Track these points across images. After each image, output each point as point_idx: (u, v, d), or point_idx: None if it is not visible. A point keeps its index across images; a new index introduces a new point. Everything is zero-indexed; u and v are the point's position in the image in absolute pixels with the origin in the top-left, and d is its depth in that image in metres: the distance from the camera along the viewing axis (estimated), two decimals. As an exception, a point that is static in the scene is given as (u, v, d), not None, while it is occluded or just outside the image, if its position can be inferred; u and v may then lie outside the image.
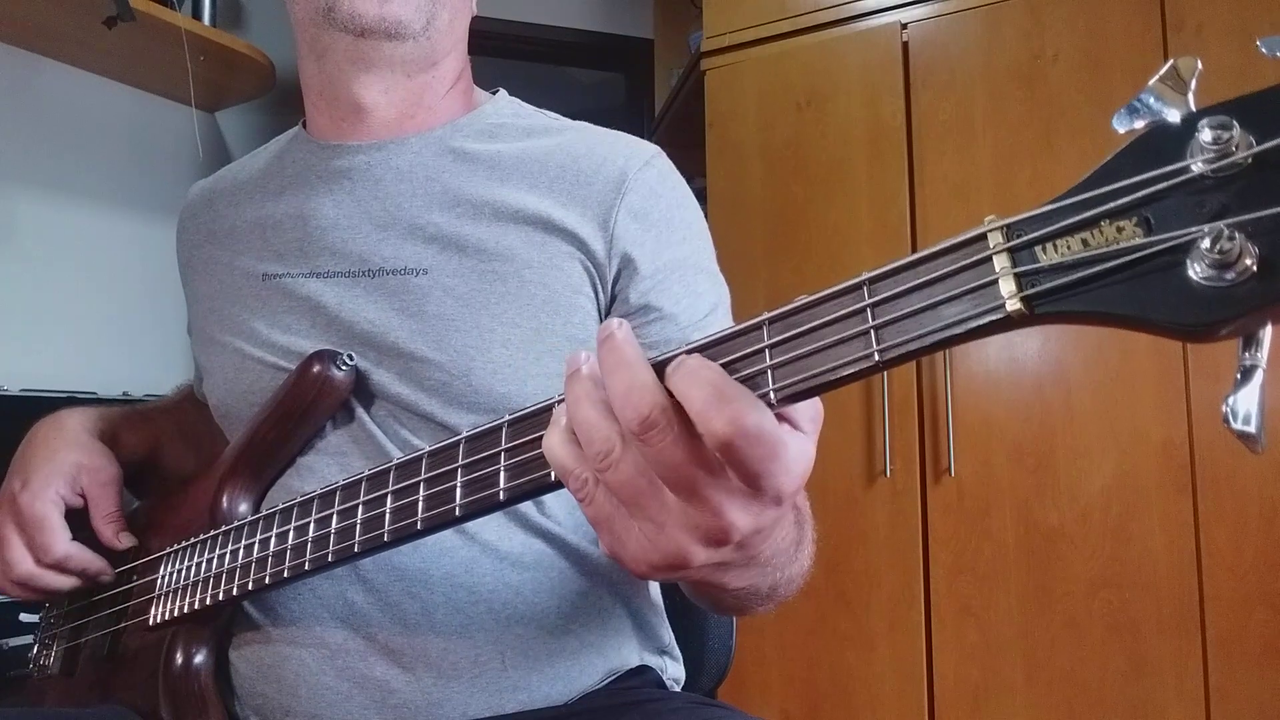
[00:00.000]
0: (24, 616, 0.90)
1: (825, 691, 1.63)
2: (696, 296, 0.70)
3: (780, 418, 0.38)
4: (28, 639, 0.84)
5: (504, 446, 0.47)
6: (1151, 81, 0.30)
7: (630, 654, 0.72)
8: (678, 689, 0.77)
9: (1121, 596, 1.44)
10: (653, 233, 0.70)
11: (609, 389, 0.38)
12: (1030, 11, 1.59)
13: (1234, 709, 1.37)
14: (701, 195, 1.83)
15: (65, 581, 0.72)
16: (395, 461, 0.54)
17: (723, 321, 0.72)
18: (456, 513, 0.49)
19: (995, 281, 0.32)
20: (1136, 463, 1.45)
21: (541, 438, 0.44)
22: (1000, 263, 0.32)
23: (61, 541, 0.70)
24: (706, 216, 0.81)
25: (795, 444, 0.37)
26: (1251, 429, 0.29)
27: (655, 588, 0.77)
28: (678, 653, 0.79)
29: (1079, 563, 1.47)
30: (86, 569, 0.72)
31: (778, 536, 0.44)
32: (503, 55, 2.59)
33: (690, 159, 1.79)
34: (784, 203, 1.76)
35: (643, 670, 0.72)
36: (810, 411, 0.39)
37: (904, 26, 1.69)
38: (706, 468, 0.37)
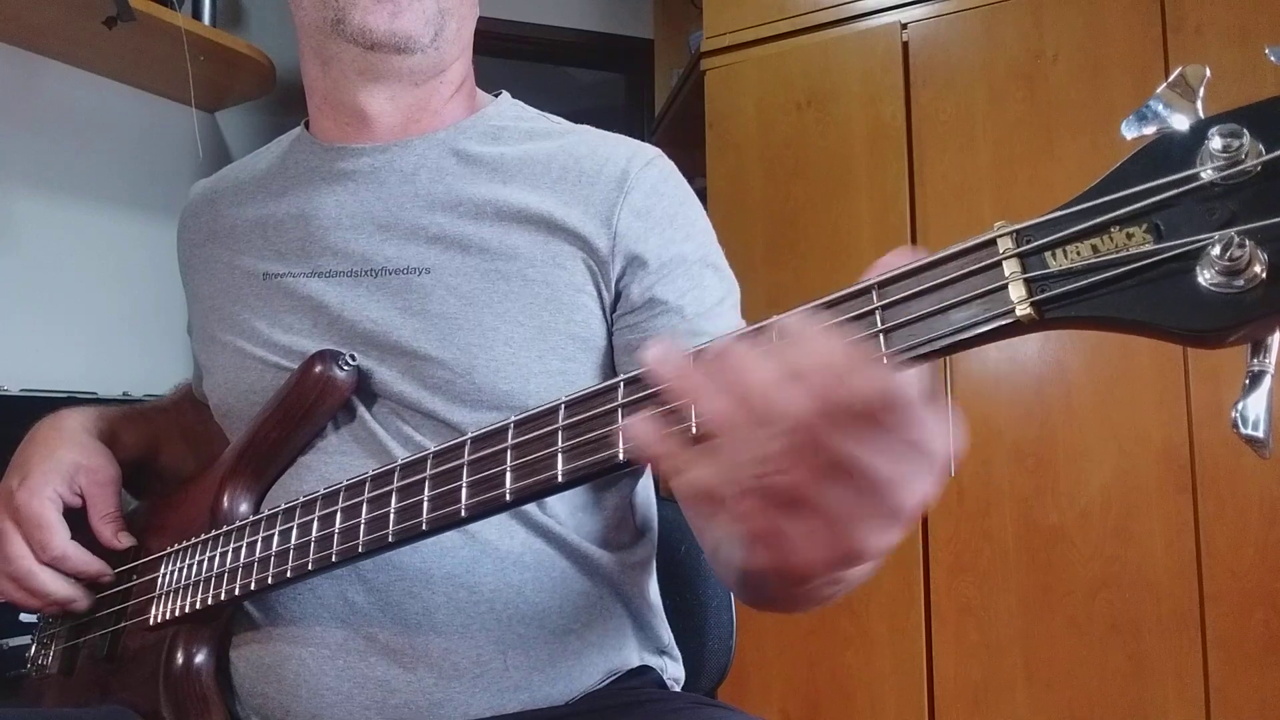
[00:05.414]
0: (24, 616, 0.89)
1: (825, 691, 1.63)
2: (702, 289, 0.70)
3: None
4: (27, 639, 0.84)
5: (510, 445, 0.47)
6: (1160, 89, 0.30)
7: (630, 654, 0.72)
8: (678, 689, 0.77)
9: (1121, 596, 1.44)
10: (656, 230, 0.70)
11: (807, 380, 0.33)
12: (1030, 11, 1.59)
13: (1234, 709, 1.37)
14: (701, 195, 1.81)
15: (60, 587, 0.70)
16: (400, 461, 0.54)
17: (731, 314, 0.72)
18: (462, 513, 0.49)
19: (1005, 286, 0.32)
20: (1136, 463, 1.45)
21: (549, 435, 0.43)
22: (1010, 268, 0.32)
23: (59, 540, 0.70)
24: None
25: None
26: (1260, 434, 0.29)
27: (654, 588, 0.77)
28: (677, 653, 0.79)
29: (1079, 563, 1.47)
30: (83, 570, 0.71)
31: None
32: (503, 55, 2.58)
33: (690, 159, 1.79)
34: (784, 203, 1.76)
35: (643, 670, 0.72)
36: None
37: (904, 26, 1.69)
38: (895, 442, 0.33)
